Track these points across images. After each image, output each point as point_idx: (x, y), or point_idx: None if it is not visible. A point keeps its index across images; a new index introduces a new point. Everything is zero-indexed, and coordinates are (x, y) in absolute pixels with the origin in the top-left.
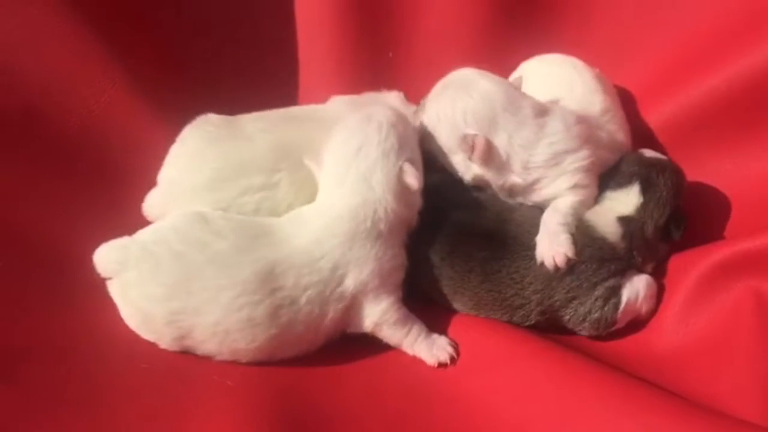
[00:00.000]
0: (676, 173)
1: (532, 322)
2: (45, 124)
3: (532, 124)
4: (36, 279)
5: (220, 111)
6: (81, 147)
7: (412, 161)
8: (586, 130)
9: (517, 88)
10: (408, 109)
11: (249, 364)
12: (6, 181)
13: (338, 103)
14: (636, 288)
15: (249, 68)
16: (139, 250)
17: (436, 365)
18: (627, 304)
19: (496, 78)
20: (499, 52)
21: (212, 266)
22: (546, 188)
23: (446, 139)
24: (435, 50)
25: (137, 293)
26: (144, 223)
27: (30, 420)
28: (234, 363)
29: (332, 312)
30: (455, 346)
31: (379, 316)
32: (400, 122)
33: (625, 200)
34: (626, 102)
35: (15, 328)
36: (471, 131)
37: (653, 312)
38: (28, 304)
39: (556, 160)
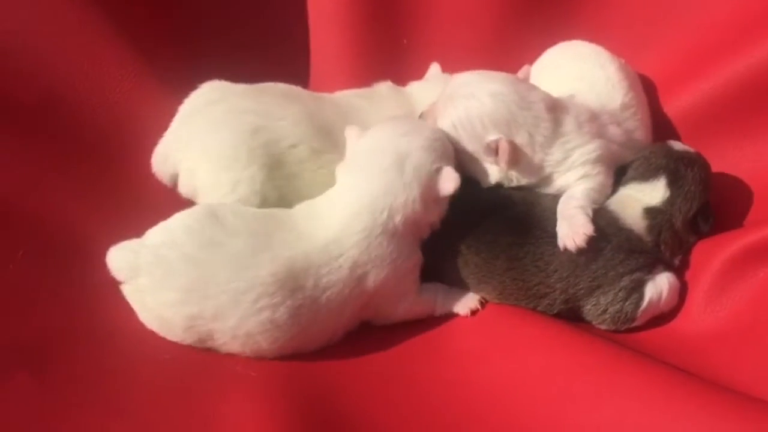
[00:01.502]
0: (705, 167)
1: (556, 311)
2: (65, 110)
3: (547, 118)
4: (55, 268)
5: None
6: (100, 134)
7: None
8: (597, 127)
9: (524, 81)
10: (400, 94)
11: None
12: (25, 168)
13: (343, 95)
14: (659, 287)
15: (262, 56)
16: (151, 255)
17: (469, 315)
18: (649, 302)
19: (500, 76)
20: (517, 39)
21: (228, 268)
22: (556, 181)
23: (469, 147)
24: (451, 37)
25: (152, 300)
26: (164, 212)
27: (48, 410)
28: None
29: (351, 310)
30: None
31: (404, 313)
32: (449, 141)
33: (652, 193)
34: (645, 90)
35: (33, 318)
36: (493, 136)
37: (675, 307)
38: (47, 294)
39: (566, 155)
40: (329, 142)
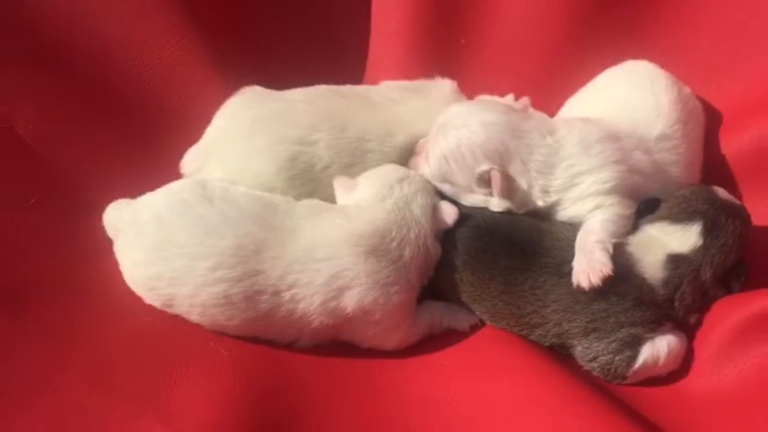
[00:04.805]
0: (746, 222)
1: (548, 344)
2: (112, 68)
3: (542, 145)
4: (61, 220)
5: (282, 85)
6: (138, 99)
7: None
8: (612, 149)
9: (518, 109)
10: (460, 99)
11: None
12: (59, 116)
13: (388, 86)
14: (657, 350)
15: (318, 44)
16: (129, 214)
17: (468, 329)
18: (643, 365)
19: (493, 105)
20: (580, 51)
21: (190, 231)
22: (567, 209)
23: (460, 179)
24: (509, 44)
25: (125, 258)
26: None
27: (26, 351)
28: None
29: (321, 322)
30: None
31: (396, 343)
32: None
33: (681, 237)
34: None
35: (25, 263)
36: (484, 167)
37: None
38: (45, 243)
39: (573, 181)
40: (360, 152)
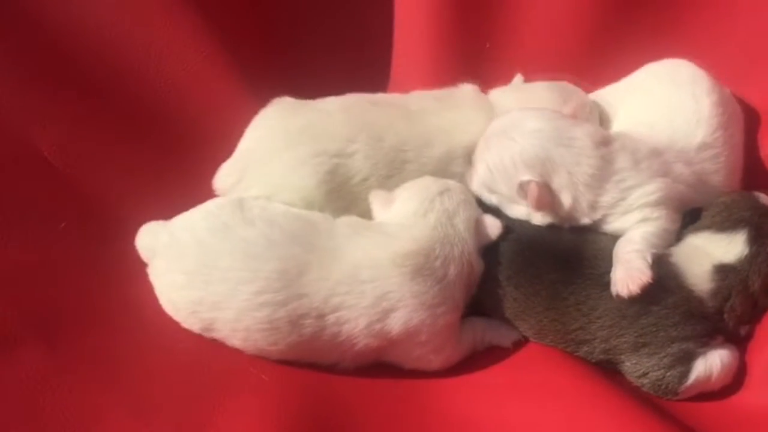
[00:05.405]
0: None
1: (595, 360)
2: (137, 89)
3: (593, 156)
4: (93, 244)
5: (308, 94)
6: (167, 118)
7: None
8: (657, 163)
9: (570, 116)
10: (480, 101)
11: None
12: (87, 140)
13: (418, 97)
14: (711, 366)
15: (342, 52)
16: (167, 236)
17: (511, 346)
18: (696, 380)
19: (541, 112)
20: (604, 58)
21: (233, 255)
22: (612, 224)
23: (504, 189)
24: (535, 47)
25: (164, 282)
26: (210, 196)
27: (51, 381)
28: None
29: (365, 344)
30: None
31: (440, 365)
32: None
33: (727, 246)
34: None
35: (58, 290)
36: (524, 177)
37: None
38: (78, 268)
39: (621, 195)
40: (398, 163)
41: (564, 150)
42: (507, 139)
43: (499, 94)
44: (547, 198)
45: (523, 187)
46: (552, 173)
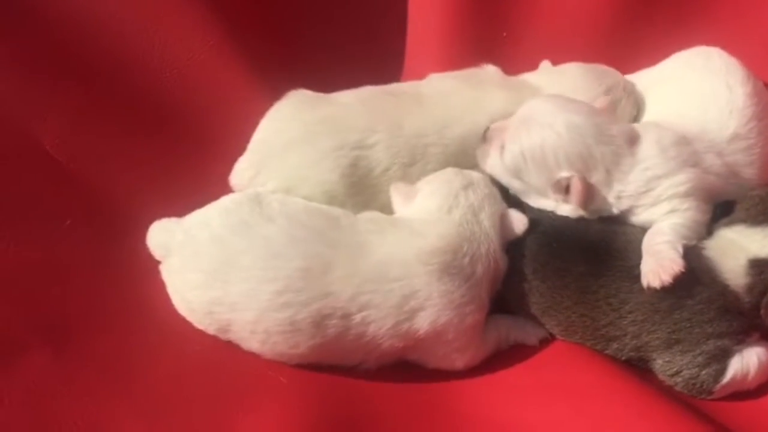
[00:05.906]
0: None
1: (625, 358)
2: (142, 82)
3: (627, 153)
4: (98, 242)
5: (320, 85)
6: (173, 111)
7: None
8: (687, 153)
9: (602, 112)
10: (506, 81)
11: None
12: (92, 134)
13: (437, 79)
14: (747, 364)
15: (354, 43)
16: (182, 234)
17: (538, 344)
18: (732, 379)
19: (579, 106)
20: (624, 47)
21: (255, 253)
22: (641, 215)
23: (535, 180)
24: (553, 35)
25: (179, 280)
26: (222, 191)
27: (62, 387)
28: None
29: (391, 344)
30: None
31: (464, 365)
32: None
33: (763, 241)
34: None
35: (65, 292)
36: (565, 173)
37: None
38: (84, 268)
39: (649, 186)
40: (419, 148)
41: (603, 147)
42: (548, 129)
43: (531, 77)
44: (590, 194)
45: (561, 183)
46: (591, 170)
